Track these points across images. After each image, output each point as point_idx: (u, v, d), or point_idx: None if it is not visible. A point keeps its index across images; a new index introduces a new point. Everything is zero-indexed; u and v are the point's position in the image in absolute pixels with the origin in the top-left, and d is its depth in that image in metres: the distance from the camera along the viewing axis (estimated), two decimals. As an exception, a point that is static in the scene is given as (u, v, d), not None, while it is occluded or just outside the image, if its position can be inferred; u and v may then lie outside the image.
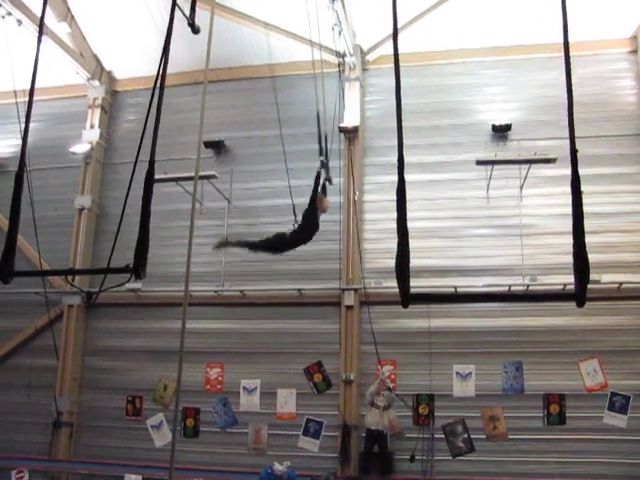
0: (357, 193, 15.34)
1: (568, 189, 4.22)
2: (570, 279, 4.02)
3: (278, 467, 13.34)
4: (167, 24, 5.33)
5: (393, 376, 14.37)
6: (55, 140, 17.52)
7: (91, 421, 15.82)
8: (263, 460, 14.11)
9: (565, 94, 4.38)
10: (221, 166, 16.27)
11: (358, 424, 14.10)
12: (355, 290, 14.96)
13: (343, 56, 15.87)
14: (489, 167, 14.45)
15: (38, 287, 15.09)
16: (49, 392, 15.61)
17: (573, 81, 4.41)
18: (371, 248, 15.20)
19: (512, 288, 14.00)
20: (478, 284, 14.25)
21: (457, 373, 14.13)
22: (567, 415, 13.50)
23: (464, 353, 14.27)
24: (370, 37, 16.20)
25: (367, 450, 13.65)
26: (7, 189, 5.10)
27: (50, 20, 15.58)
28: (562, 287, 12.53)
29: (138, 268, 4.48)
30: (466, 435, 13.80)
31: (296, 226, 10.74)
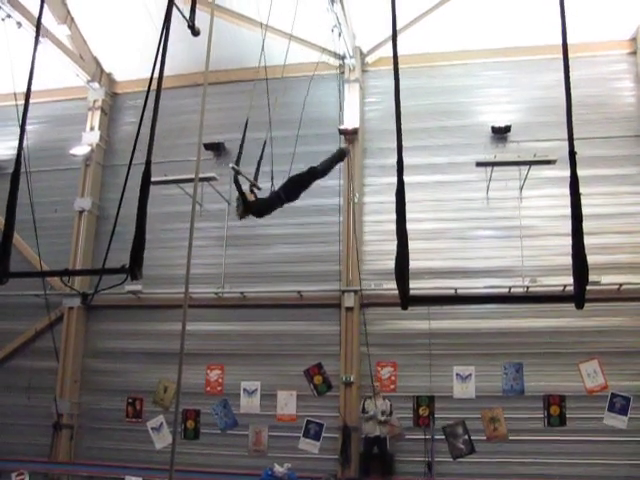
0: (357, 195, 15.35)
1: (568, 190, 4.23)
2: (570, 280, 4.02)
3: (279, 469, 13.34)
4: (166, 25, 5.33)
5: (393, 377, 14.37)
6: (55, 142, 17.54)
7: (91, 423, 15.82)
8: (263, 462, 14.11)
9: (564, 95, 4.38)
10: (221, 168, 16.24)
11: (358, 426, 14.09)
12: (355, 292, 14.97)
13: (343, 58, 15.91)
14: (489, 168, 14.46)
15: (38, 289, 15.11)
16: (49, 394, 15.60)
17: (573, 82, 4.43)
18: (371, 250, 15.21)
19: (512, 289, 14.03)
20: (478, 285, 14.27)
21: (457, 374, 14.12)
22: (567, 416, 13.50)
23: (464, 354, 14.27)
24: (370, 39, 16.21)
25: (366, 451, 13.66)
26: (7, 191, 5.10)
27: (50, 22, 15.60)
28: (562, 288, 12.54)
29: (134, 268, 4.48)
30: (466, 436, 13.79)
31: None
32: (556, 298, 6.08)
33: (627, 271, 14.04)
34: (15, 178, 5.02)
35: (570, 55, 4.67)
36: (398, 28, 4.83)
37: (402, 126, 4.74)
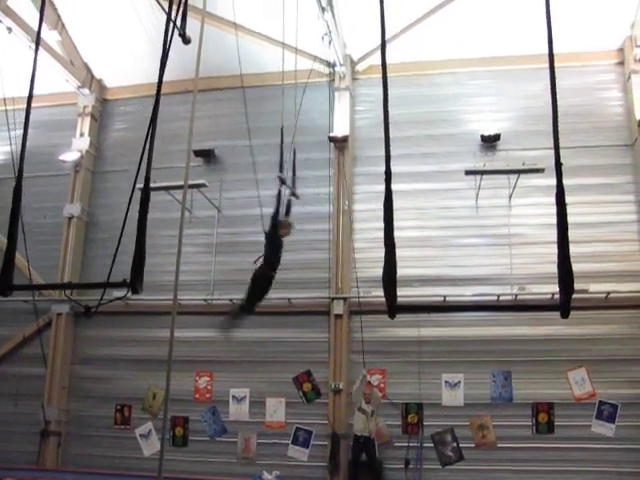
0: (347, 202, 15.39)
1: (555, 200, 4.26)
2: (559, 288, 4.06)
3: (267, 476, 13.33)
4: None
5: (382, 385, 14.37)
6: (45, 148, 17.46)
7: (79, 430, 15.76)
8: (252, 469, 14.11)
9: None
10: (211, 175, 16.29)
11: (347, 433, 14.08)
12: (344, 299, 14.99)
13: (333, 66, 15.96)
14: (478, 177, 14.52)
15: (27, 295, 15.04)
16: (37, 401, 15.53)
17: (560, 92, 4.48)
18: (360, 257, 15.23)
19: (501, 297, 14.08)
20: (467, 293, 14.32)
21: (446, 382, 14.16)
22: (556, 424, 13.56)
23: (453, 362, 14.31)
24: (360, 47, 16.26)
25: (355, 457, 13.60)
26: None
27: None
28: (551, 296, 12.55)
29: (135, 282, 4.59)
30: (455, 444, 13.82)
31: (261, 260, 10.48)
32: (542, 307, 6.15)
33: (615, 279, 14.10)
34: (17, 193, 5.06)
35: (558, 65, 4.72)
36: (388, 37, 4.88)
37: (391, 134, 4.78)
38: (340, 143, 15.80)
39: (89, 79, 17.79)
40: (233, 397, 15.02)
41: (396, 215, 4.61)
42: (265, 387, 14.95)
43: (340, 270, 15.15)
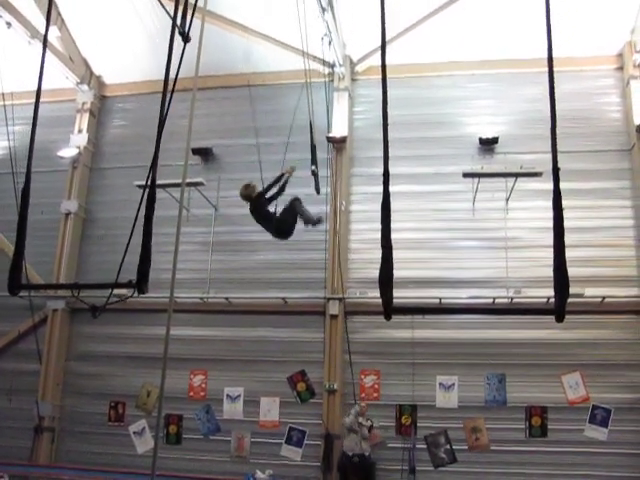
0: (344, 203, 15.39)
1: (552, 204, 4.28)
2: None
3: (260, 475, 13.35)
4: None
5: (377, 386, 14.38)
6: (42, 144, 17.16)
7: (73, 426, 15.74)
8: (245, 468, 14.11)
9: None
10: (208, 173, 16.30)
11: (341, 433, 14.07)
12: (340, 299, 14.99)
13: (332, 66, 15.95)
14: (475, 179, 14.56)
15: (22, 291, 14.98)
16: (31, 397, 15.51)
17: (559, 96, 4.49)
18: (357, 258, 15.25)
19: (496, 300, 14.10)
20: (463, 296, 14.34)
21: (440, 384, 14.17)
22: (549, 427, 13.58)
23: (447, 364, 14.32)
24: (360, 48, 16.28)
25: (347, 461, 13.46)
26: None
27: (40, 23, 15.53)
28: (546, 300, 12.59)
29: (141, 283, 4.66)
30: (448, 446, 13.83)
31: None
32: (537, 311, 6.15)
33: (610, 284, 14.14)
34: (25, 195, 5.08)
35: (557, 69, 4.73)
36: (387, 38, 4.88)
37: (390, 136, 4.79)
38: (338, 143, 15.82)
39: (88, 75, 17.77)
40: (227, 396, 15.01)
41: (393, 216, 4.62)
42: (259, 386, 14.95)
43: (336, 270, 15.14)
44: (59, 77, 17.06)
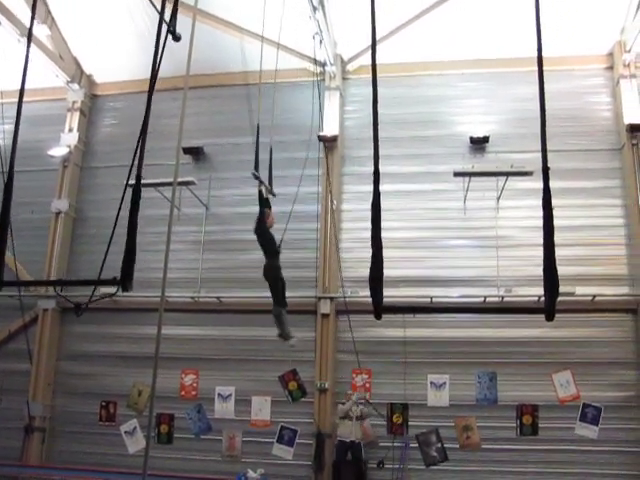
0: (335, 202, 15.40)
1: (542, 204, 4.28)
2: (545, 291, 4.08)
3: (252, 474, 13.33)
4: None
5: (368, 385, 14.39)
6: (33, 143, 17.33)
7: (64, 426, 15.70)
8: (237, 467, 14.10)
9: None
10: (199, 172, 16.28)
11: (332, 432, 14.09)
12: (331, 299, 15.00)
13: (323, 65, 15.95)
14: (466, 179, 14.58)
15: (12, 290, 14.94)
16: (22, 397, 15.45)
17: (549, 95, 4.50)
18: (348, 257, 15.24)
19: (487, 299, 14.15)
20: (454, 294, 14.39)
21: (431, 383, 14.18)
22: (540, 426, 13.60)
23: (439, 363, 14.35)
24: (351, 47, 16.29)
25: (339, 459, 13.62)
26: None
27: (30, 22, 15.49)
28: (537, 299, 12.58)
29: (125, 281, 4.58)
30: (440, 444, 13.85)
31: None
32: (527, 310, 6.19)
33: (601, 283, 14.19)
34: (7, 192, 5.01)
35: (547, 68, 4.75)
36: (378, 37, 4.88)
37: (380, 135, 4.78)
38: (329, 142, 15.81)
39: (79, 74, 17.72)
40: (219, 395, 14.99)
41: (384, 215, 4.62)
42: (251, 385, 14.94)
43: (327, 269, 15.16)
44: (49, 76, 17.03)
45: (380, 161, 4.78)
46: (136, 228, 4.74)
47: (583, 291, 13.69)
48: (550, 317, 3.97)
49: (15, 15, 14.55)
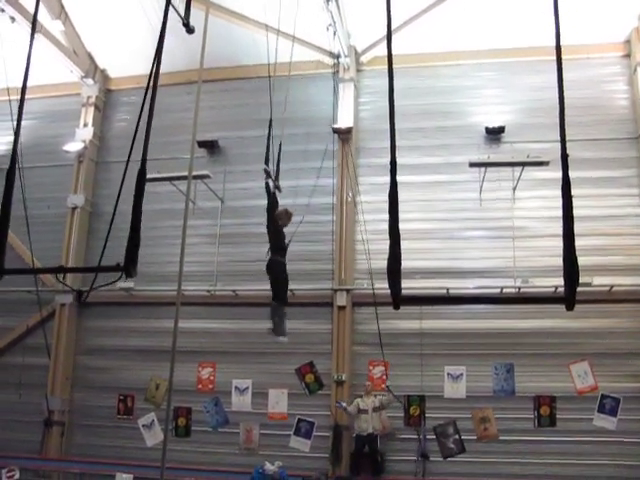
0: (350, 194, 15.37)
1: (560, 192, 4.23)
2: (562, 281, 4.03)
3: (269, 467, 13.35)
4: (161, 22, 5.30)
5: (385, 377, 14.37)
6: (48, 138, 17.51)
7: (83, 420, 15.81)
8: (254, 460, 14.12)
9: (558, 98, 4.40)
10: (214, 166, 16.29)
11: (349, 424, 14.09)
12: (347, 291, 14.99)
13: (337, 57, 15.91)
14: (482, 169, 14.50)
15: (30, 285, 15.03)
16: (40, 391, 15.59)
17: (566, 84, 4.44)
18: (364, 249, 15.20)
19: (504, 290, 14.07)
20: (470, 286, 14.33)
21: (448, 374, 14.15)
22: (557, 417, 13.55)
23: (455, 354, 14.31)
24: (365, 38, 16.23)
25: (358, 451, 13.65)
26: (0, 186, 5.05)
27: (44, 18, 15.55)
28: (554, 289, 12.56)
29: (129, 266, 4.45)
30: (457, 436, 13.82)
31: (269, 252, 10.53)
32: (547, 299, 6.11)
33: (618, 273, 14.09)
34: (11, 174, 4.97)
35: (564, 57, 4.68)
36: (392, 28, 4.83)
37: (396, 125, 4.74)
38: (344, 134, 15.76)
39: (93, 69, 17.78)
40: (236, 388, 15.02)
41: (400, 207, 4.58)
42: (268, 378, 14.96)
43: (343, 262, 15.15)
44: (64, 71, 17.10)
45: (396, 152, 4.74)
46: (140, 213, 4.64)
47: (600, 281, 13.59)
48: (571, 306, 3.90)
49: (29, 11, 14.58)
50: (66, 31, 16.76)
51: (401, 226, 4.39)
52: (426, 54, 16.04)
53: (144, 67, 5.36)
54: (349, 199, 15.33)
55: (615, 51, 15.55)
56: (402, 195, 4.41)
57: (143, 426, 15.18)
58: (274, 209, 10.52)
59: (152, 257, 14.94)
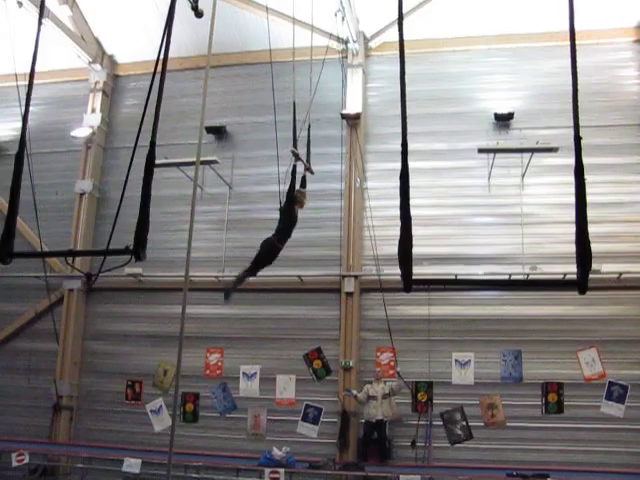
0: (359, 180, 15.34)
1: (570, 178, 4.19)
2: (570, 268, 4.02)
3: (277, 452, 13.40)
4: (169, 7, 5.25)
5: (393, 363, 14.37)
6: (56, 124, 17.51)
7: (91, 405, 15.90)
8: (262, 445, 14.18)
9: (568, 82, 4.35)
10: (222, 151, 16.26)
11: (357, 410, 14.12)
12: (355, 277, 14.98)
13: (346, 42, 15.84)
14: (491, 155, 14.45)
15: (39, 271, 15.08)
16: (49, 376, 15.68)
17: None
18: (372, 235, 15.18)
19: (512, 276, 14.01)
20: (478, 272, 14.28)
21: (456, 361, 14.16)
22: (565, 404, 13.54)
23: (463, 341, 14.31)
24: (374, 24, 16.13)
25: (366, 437, 13.68)
26: (8, 172, 5.05)
27: (51, 3, 15.50)
28: (562, 276, 12.51)
29: (138, 250, 4.42)
30: (464, 423, 13.84)
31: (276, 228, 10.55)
32: (559, 283, 6.09)
33: (627, 260, 14.02)
34: (19, 160, 4.95)
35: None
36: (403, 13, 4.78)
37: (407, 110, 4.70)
38: (352, 120, 15.71)
39: (100, 55, 17.74)
40: (243, 374, 15.07)
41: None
42: (275, 364, 15.00)
43: (351, 248, 15.14)
44: (71, 57, 17.08)
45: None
46: (149, 195, 4.61)
47: (609, 268, 13.49)
48: (583, 290, 3.88)
49: (36, -4, 14.55)
50: (74, 16, 16.71)
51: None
52: (434, 40, 15.92)
53: (152, 53, 5.32)
54: (357, 185, 15.29)
55: (626, 36, 15.37)
56: (410, 181, 4.38)
57: (151, 411, 15.26)
58: (298, 194, 10.52)
59: (160, 243, 14.95)
